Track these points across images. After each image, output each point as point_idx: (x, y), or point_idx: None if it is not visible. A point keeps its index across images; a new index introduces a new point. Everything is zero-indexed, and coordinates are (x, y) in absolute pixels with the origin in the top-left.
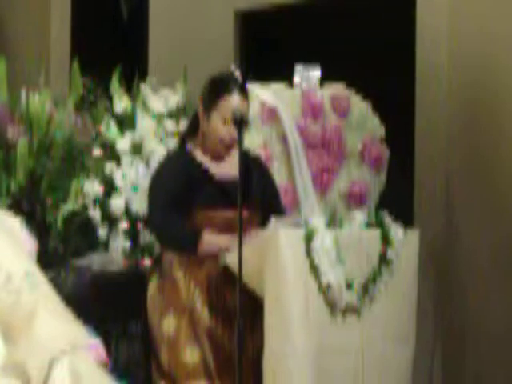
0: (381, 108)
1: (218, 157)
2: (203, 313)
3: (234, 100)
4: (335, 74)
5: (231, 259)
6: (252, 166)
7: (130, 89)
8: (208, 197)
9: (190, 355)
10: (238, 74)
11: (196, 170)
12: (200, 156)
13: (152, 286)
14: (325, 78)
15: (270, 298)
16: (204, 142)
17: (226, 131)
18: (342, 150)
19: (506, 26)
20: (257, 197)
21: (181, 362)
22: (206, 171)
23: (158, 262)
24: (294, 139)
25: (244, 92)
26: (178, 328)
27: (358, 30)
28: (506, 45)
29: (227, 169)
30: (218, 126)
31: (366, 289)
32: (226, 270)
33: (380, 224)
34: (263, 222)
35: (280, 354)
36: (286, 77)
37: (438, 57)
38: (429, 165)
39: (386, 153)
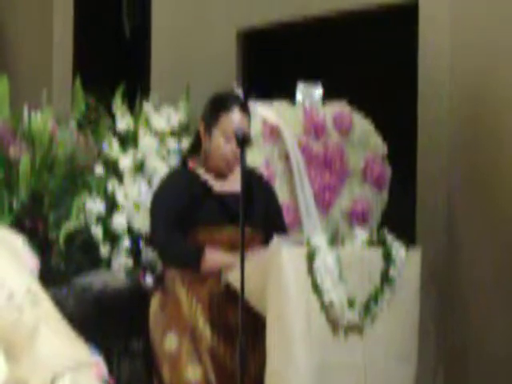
0: (383, 126)
1: (220, 175)
2: (205, 330)
3: (234, 116)
4: (337, 93)
5: (233, 277)
6: (255, 184)
7: (133, 106)
8: (210, 213)
9: (192, 373)
10: (239, 91)
11: (197, 186)
12: (202, 174)
13: (154, 303)
14: (327, 97)
15: (272, 316)
16: (206, 161)
17: (228, 148)
18: (344, 168)
19: (508, 44)
20: (259, 215)
21: (183, 379)
22: (206, 186)
23: (160, 278)
24: (296, 157)
25: (245, 109)
26: (180, 345)
27: (360, 47)
28: (508, 62)
29: (230, 185)
30: (220, 143)
31: (368, 307)
32: (229, 287)
33: (382, 242)
34: (266, 240)
35: (282, 372)
36: (288, 95)
37: (439, 74)
38: (430, 183)
39: (388, 171)
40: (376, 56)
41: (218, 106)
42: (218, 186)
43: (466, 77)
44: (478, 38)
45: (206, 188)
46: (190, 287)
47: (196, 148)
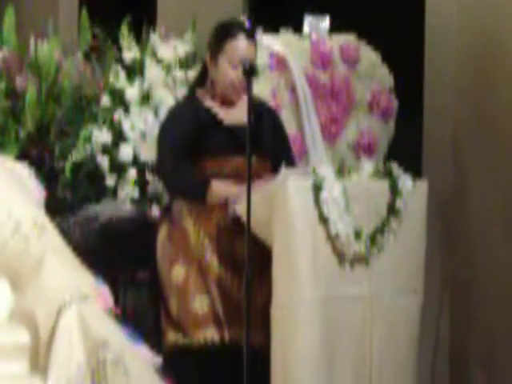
0: (390, 58)
1: (228, 103)
2: (212, 262)
3: (240, 43)
4: (344, 24)
5: (240, 208)
6: (262, 115)
7: (139, 37)
8: (218, 143)
9: (199, 304)
10: (244, 19)
11: (205, 116)
12: (209, 103)
13: (162, 234)
14: (334, 28)
15: (278, 248)
16: (213, 90)
17: (234, 75)
18: (350, 100)
19: None
20: (267, 145)
21: (190, 310)
22: (214, 117)
23: (167, 209)
24: (303, 88)
25: (251, 36)
26: (187, 276)
27: None
28: None
29: (237, 115)
30: (227, 69)
31: (375, 239)
32: (235, 219)
33: (389, 174)
34: (274, 171)
35: (288, 303)
36: (296, 28)
37: (447, 7)
38: (437, 115)
39: (394, 103)
40: None
41: (223, 33)
42: (225, 114)
43: (474, 9)
44: None
45: (212, 116)
46: (197, 219)
47: (203, 79)
